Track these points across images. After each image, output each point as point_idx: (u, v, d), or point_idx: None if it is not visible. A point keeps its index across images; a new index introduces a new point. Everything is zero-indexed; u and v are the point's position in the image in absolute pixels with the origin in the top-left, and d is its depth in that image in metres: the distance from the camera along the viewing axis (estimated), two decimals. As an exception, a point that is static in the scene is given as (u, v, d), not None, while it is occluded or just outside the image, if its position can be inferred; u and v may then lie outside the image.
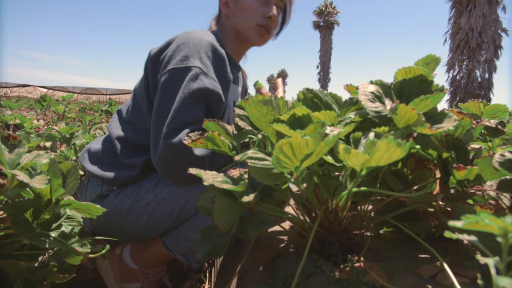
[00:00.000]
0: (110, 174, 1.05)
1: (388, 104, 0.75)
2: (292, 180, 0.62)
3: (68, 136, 1.59)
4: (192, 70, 0.98)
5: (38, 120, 2.68)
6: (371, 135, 0.67)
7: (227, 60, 1.09)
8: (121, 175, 1.05)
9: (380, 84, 0.79)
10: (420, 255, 0.76)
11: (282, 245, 0.86)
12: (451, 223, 0.36)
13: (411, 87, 0.74)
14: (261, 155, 0.56)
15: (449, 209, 0.76)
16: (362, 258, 0.66)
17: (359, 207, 0.82)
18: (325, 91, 0.82)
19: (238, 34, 1.23)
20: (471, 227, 0.36)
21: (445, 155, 0.73)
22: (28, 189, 0.90)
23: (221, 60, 1.07)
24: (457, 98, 18.29)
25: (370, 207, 0.82)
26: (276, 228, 0.97)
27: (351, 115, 0.75)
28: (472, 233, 0.41)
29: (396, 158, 0.57)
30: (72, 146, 1.60)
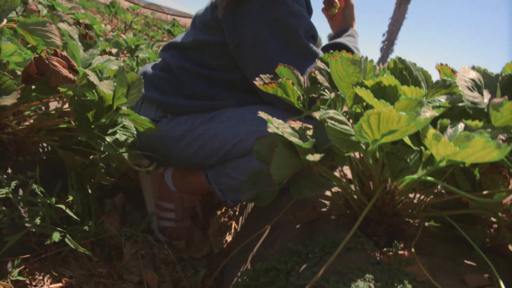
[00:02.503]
0: (168, 101, 1.05)
1: (486, 97, 0.67)
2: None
3: (133, 47, 1.60)
4: (293, 12, 0.93)
5: (105, 25, 2.71)
6: (461, 125, 0.60)
7: None
8: (180, 103, 1.05)
9: (483, 72, 0.70)
10: (466, 261, 0.72)
11: (324, 209, 0.84)
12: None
13: (521, 84, 0.65)
14: (342, 117, 0.53)
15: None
16: (413, 250, 0.63)
17: (414, 195, 0.77)
18: (417, 65, 0.74)
19: None
20: None
21: (533, 168, 0.65)
22: (93, 90, 0.92)
23: None
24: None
25: (426, 200, 0.78)
26: (320, 191, 0.96)
27: (442, 98, 0.68)
28: None
29: (488, 159, 0.51)
30: (135, 58, 1.62)
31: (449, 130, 0.60)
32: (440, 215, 0.75)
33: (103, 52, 1.59)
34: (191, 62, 1.08)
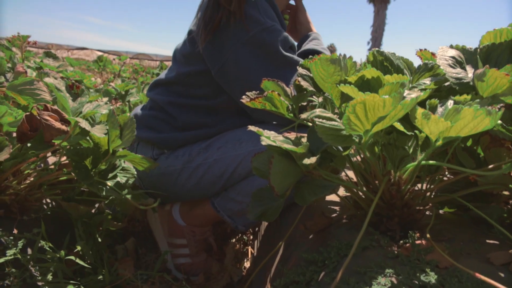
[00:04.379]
0: (163, 137, 1.07)
1: (470, 71, 0.67)
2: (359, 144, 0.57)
3: (123, 93, 1.64)
4: (267, 28, 0.96)
5: (95, 79, 2.79)
6: (450, 103, 0.60)
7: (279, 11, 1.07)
8: (174, 137, 1.06)
9: (462, 49, 0.71)
10: (488, 240, 0.70)
11: (334, 214, 0.83)
12: None
13: (500, 53, 0.65)
14: (329, 114, 0.53)
15: (528, 194, 0.68)
16: (428, 235, 0.61)
17: (422, 184, 0.76)
18: (396, 54, 0.75)
19: None
20: None
21: (533, 133, 0.64)
22: (88, 138, 0.93)
23: (278, 11, 1.05)
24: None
25: (433, 185, 0.76)
26: (328, 196, 0.94)
27: (426, 81, 0.68)
28: None
29: (482, 128, 0.51)
30: (127, 103, 1.65)
31: (439, 109, 0.60)
32: (451, 199, 0.73)
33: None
34: (177, 95, 1.10)
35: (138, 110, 1.20)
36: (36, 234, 0.80)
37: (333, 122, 0.52)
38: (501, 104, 0.61)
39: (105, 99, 1.72)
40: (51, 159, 1.05)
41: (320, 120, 0.51)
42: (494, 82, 0.56)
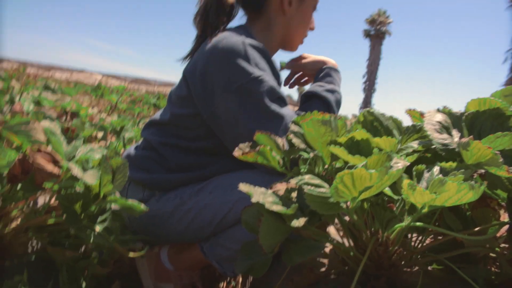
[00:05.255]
0: (154, 179, 1.07)
1: (456, 136, 0.69)
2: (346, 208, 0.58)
3: (118, 128, 1.65)
4: (255, 78, 0.98)
5: (92, 107, 2.81)
6: (436, 169, 0.62)
7: (272, 59, 1.08)
8: (166, 179, 1.06)
9: (449, 113, 0.73)
10: (476, 303, 0.69)
11: (322, 269, 0.82)
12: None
13: (484, 120, 0.68)
14: (318, 181, 0.54)
15: (514, 257, 0.69)
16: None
17: (410, 243, 0.76)
18: (386, 115, 0.77)
19: (285, 36, 1.20)
20: None
21: (517, 199, 0.66)
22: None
23: (270, 60, 1.06)
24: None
25: (421, 246, 0.77)
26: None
27: (414, 144, 0.70)
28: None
29: (466, 201, 0.52)
30: (122, 139, 1.66)
31: (426, 175, 0.61)
32: (438, 259, 0.74)
33: (90, 137, 1.63)
34: (170, 136, 1.11)
35: (131, 149, 1.20)
36: (18, 282, 0.78)
37: (321, 189, 0.53)
38: (483, 171, 0.63)
39: (100, 134, 1.74)
40: (41, 199, 1.04)
41: (309, 187, 0.52)
42: (477, 152, 0.58)
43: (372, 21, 33.27)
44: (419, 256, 0.73)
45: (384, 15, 33.41)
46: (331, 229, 1.08)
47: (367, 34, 33.71)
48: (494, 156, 0.57)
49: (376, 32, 32.88)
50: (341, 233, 0.87)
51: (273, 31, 1.18)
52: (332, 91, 1.10)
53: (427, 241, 0.80)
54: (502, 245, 0.76)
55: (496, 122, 0.67)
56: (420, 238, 0.76)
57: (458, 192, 0.51)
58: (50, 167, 0.86)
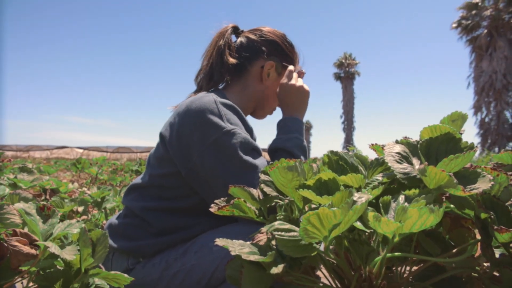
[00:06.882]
0: (138, 245, 1.06)
1: (416, 163, 0.73)
2: (322, 249, 0.59)
3: (99, 200, 1.64)
4: (228, 132, 1.02)
5: (73, 182, 2.79)
6: (401, 198, 0.64)
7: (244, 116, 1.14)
8: (150, 244, 1.05)
9: (406, 143, 0.78)
10: (469, 328, 0.69)
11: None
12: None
13: (438, 145, 0.72)
14: (288, 226, 0.55)
15: (496, 274, 0.70)
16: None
17: (395, 270, 0.77)
18: (350, 153, 0.81)
19: (258, 102, 1.28)
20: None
21: (483, 215, 0.69)
22: (59, 258, 0.91)
23: (242, 116, 1.11)
24: (489, 141, 17.81)
25: (408, 268, 0.77)
26: None
27: (379, 177, 0.73)
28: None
29: (429, 224, 0.54)
30: (103, 210, 1.64)
31: (393, 205, 0.64)
32: (424, 286, 0.74)
33: (71, 211, 1.61)
34: (151, 199, 1.12)
35: (113, 219, 1.20)
36: None
37: (292, 233, 0.55)
38: (447, 193, 0.66)
39: (81, 209, 1.72)
40: (19, 284, 1.00)
41: (279, 233, 0.54)
42: (435, 176, 0.62)
43: (340, 64, 35.11)
44: (407, 283, 0.73)
45: (350, 57, 35.38)
46: (319, 273, 1.07)
47: (337, 77, 35.36)
48: (449, 178, 0.60)
49: (346, 74, 34.58)
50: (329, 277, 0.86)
51: (247, 94, 1.27)
52: (291, 139, 1.15)
53: (414, 269, 0.80)
54: (486, 264, 0.78)
55: (449, 145, 0.71)
56: (404, 267, 0.77)
57: (420, 217, 0.53)
58: (26, 249, 0.84)
